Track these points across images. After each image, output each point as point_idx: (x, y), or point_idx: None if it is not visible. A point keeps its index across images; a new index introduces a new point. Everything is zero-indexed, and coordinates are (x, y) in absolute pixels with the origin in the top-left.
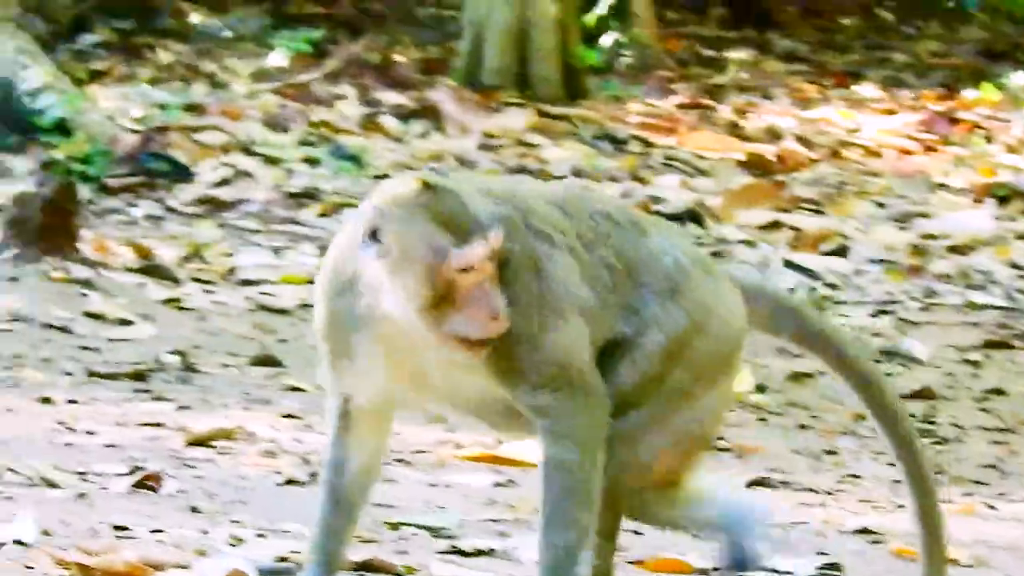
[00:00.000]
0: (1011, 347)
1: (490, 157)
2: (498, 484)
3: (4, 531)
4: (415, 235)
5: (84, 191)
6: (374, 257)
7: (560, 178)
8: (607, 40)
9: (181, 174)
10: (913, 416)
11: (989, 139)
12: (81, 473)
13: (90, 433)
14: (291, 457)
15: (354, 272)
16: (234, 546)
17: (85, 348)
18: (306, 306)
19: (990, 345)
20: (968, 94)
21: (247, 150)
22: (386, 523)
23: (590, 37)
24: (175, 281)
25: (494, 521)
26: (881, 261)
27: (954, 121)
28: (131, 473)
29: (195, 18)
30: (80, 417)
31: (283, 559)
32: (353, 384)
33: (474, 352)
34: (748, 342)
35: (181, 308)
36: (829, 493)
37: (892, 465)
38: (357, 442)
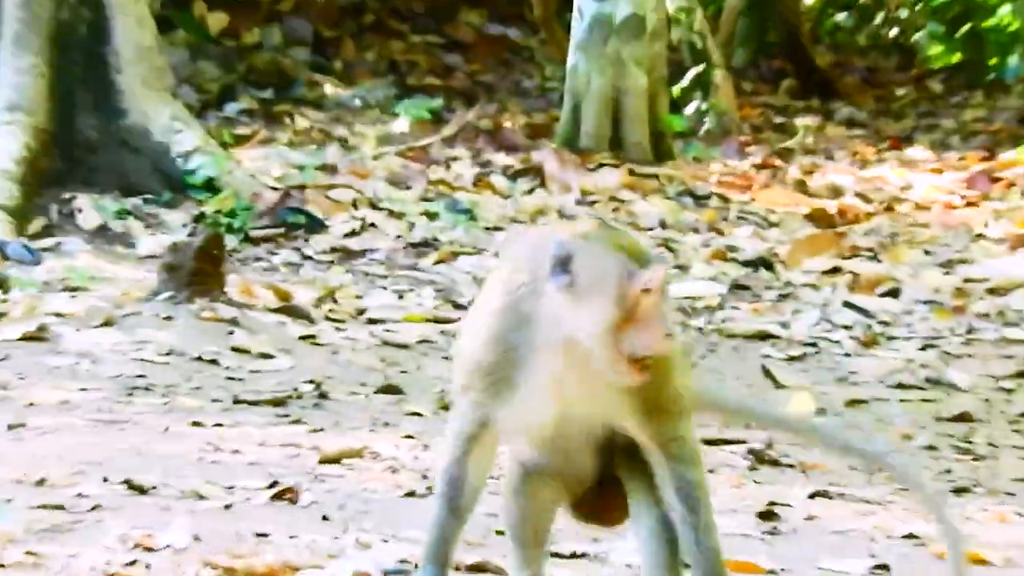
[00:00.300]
0: None
1: (587, 211)
2: None
3: (161, 537)
4: (605, 261)
5: (230, 241)
6: (562, 285)
7: (649, 230)
8: (691, 108)
9: (316, 226)
10: (953, 436)
11: None
12: (227, 487)
13: (235, 452)
14: (411, 473)
15: (531, 307)
16: (362, 550)
17: (231, 378)
18: (424, 342)
19: (1023, 375)
20: (1006, 156)
21: (374, 205)
22: (495, 531)
23: (676, 106)
24: (310, 320)
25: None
26: (928, 302)
27: (994, 179)
28: (271, 487)
29: (328, 89)
30: (226, 438)
31: (403, 561)
32: (505, 415)
33: (641, 374)
34: (811, 369)
35: (316, 344)
36: (880, 503)
37: (936, 480)
38: (476, 462)
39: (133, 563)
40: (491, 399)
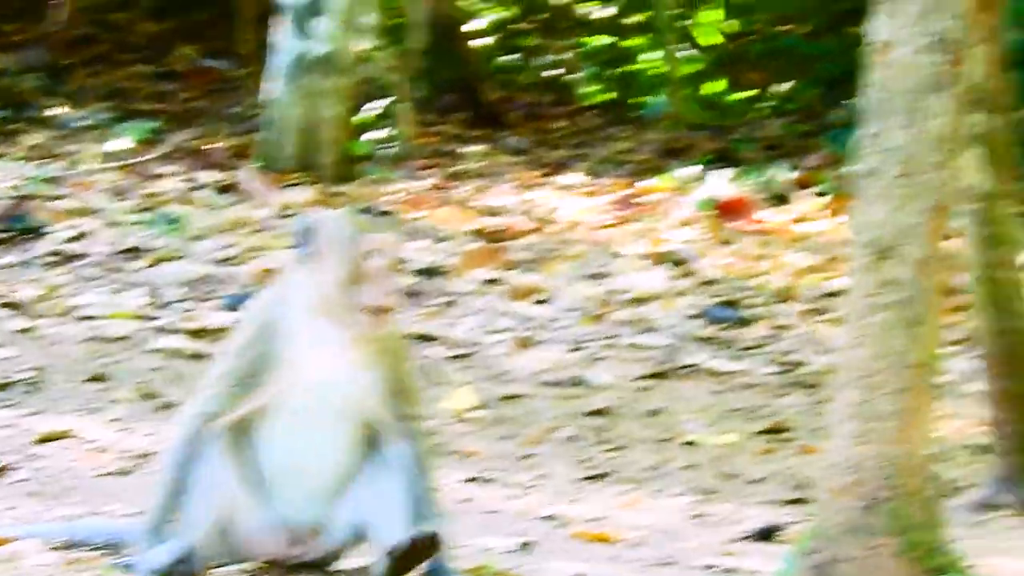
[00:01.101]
0: (669, 377)
1: (283, 224)
2: None
3: None
4: (339, 230)
5: None
6: (305, 255)
7: None
8: (376, 135)
9: (40, 232)
10: (593, 429)
11: (662, 217)
12: None
13: None
14: (114, 454)
15: (287, 284)
16: (67, 523)
17: None
18: (130, 337)
19: (655, 376)
20: (649, 183)
21: (93, 214)
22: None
23: (363, 132)
24: (31, 315)
25: None
26: (575, 310)
27: (637, 204)
28: None
29: (58, 110)
30: None
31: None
32: (266, 391)
33: (378, 321)
34: (471, 368)
35: (34, 336)
36: (524, 488)
37: (574, 467)
38: (202, 445)
39: None
40: (252, 377)
